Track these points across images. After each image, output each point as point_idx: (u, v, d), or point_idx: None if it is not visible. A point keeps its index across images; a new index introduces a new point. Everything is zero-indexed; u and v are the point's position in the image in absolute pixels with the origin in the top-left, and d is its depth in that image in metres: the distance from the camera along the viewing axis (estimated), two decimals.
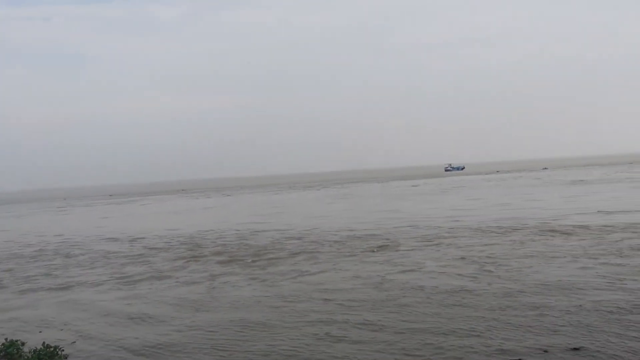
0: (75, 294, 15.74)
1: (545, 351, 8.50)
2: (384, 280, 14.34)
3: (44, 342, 7.82)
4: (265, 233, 27.19)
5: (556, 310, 10.58)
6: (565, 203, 32.71)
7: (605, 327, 9.40)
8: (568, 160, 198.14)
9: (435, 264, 16.19)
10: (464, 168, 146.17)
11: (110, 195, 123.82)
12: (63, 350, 7.85)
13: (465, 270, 14.96)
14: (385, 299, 12.46)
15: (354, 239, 22.90)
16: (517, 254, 16.82)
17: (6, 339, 7.86)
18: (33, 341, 9.28)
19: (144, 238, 28.85)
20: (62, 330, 11.92)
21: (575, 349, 8.49)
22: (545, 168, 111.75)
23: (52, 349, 7.61)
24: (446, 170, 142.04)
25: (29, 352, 7.51)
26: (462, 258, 16.71)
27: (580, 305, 10.74)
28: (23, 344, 7.80)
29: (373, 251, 19.30)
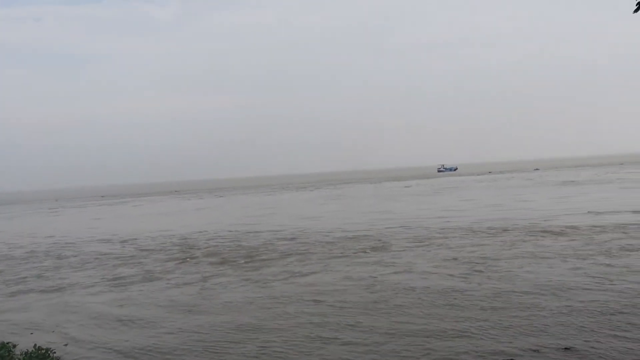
0: (67, 296, 15.68)
1: (537, 351, 8.59)
2: (376, 281, 14.40)
3: (35, 345, 7.81)
4: (257, 234, 27.19)
5: (546, 310, 10.68)
6: (555, 204, 32.95)
7: (595, 327, 9.50)
8: (559, 160, 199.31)
9: (426, 264, 16.27)
10: (456, 169, 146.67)
11: (102, 197, 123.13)
12: (55, 352, 7.84)
13: (456, 270, 15.05)
14: (377, 299, 12.51)
15: (345, 239, 22.96)
16: (508, 254, 16.94)
17: None
18: (24, 343, 9.27)
19: (135, 239, 28.77)
20: (53, 332, 11.88)
21: (566, 348, 8.58)
22: (537, 169, 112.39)
23: (43, 351, 7.60)
24: (439, 171, 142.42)
25: (21, 354, 7.49)
26: (454, 259, 16.81)
27: (570, 306, 10.84)
28: (14, 346, 7.78)
29: (365, 252, 19.36)
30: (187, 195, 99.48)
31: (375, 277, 14.92)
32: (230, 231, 29.45)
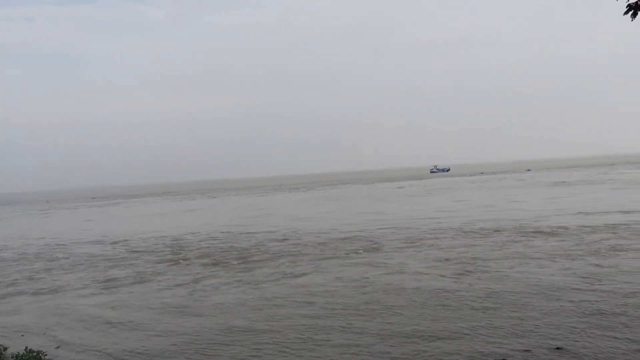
0: (58, 298, 15.59)
1: (528, 351, 8.65)
2: (367, 282, 14.43)
3: (26, 347, 7.79)
4: (249, 235, 27.17)
5: (537, 310, 10.75)
6: (546, 204, 33.15)
7: (585, 327, 9.57)
8: (551, 161, 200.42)
9: (418, 265, 16.33)
10: (449, 170, 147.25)
11: (93, 198, 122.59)
12: (46, 354, 7.83)
13: (447, 271, 15.12)
14: (368, 300, 12.54)
15: (337, 240, 23.00)
16: (499, 255, 17.03)
17: None
18: (15, 346, 9.22)
19: (126, 241, 28.66)
20: (44, 335, 11.80)
21: (557, 348, 8.65)
22: (529, 170, 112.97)
23: (35, 354, 7.58)
24: (431, 172, 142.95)
25: (12, 357, 7.47)
26: (445, 259, 16.88)
27: (561, 306, 10.92)
28: (5, 349, 7.77)
29: (357, 253, 19.41)
30: (179, 196, 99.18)
31: (367, 278, 14.95)
32: (222, 232, 29.41)
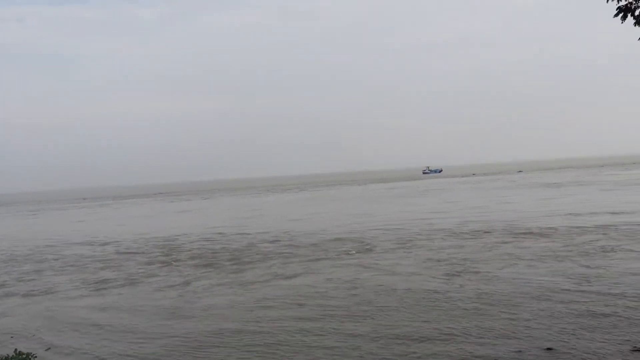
0: (47, 300, 15.46)
1: (519, 352, 8.69)
2: (359, 284, 14.43)
3: (16, 350, 7.73)
4: (241, 236, 27.10)
5: (527, 311, 10.79)
6: (537, 206, 33.33)
7: (575, 328, 9.63)
8: (542, 163, 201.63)
9: (409, 266, 16.35)
10: (441, 171, 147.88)
11: (84, 199, 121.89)
12: (36, 357, 7.76)
13: (439, 272, 15.15)
14: (360, 302, 12.53)
15: (329, 241, 23.00)
16: (490, 256, 17.10)
17: None
18: (4, 349, 9.17)
19: (117, 242, 28.51)
20: (33, 338, 11.69)
21: (548, 349, 8.70)
22: (520, 171, 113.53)
23: (24, 356, 7.52)
24: (424, 173, 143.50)
25: (1, 359, 7.41)
26: (437, 260, 16.92)
27: (551, 307, 10.97)
28: None
29: (348, 254, 19.42)
30: (172, 197, 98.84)
31: (358, 279, 14.96)
32: (214, 233, 29.32)
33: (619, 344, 8.71)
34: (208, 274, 17.60)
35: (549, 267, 14.86)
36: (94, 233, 35.11)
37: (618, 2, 12.10)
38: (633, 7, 12.03)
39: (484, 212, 31.13)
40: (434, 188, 66.64)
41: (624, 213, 25.76)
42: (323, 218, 35.08)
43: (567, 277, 13.50)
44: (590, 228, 21.54)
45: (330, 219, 34.08)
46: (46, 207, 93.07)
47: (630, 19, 12.19)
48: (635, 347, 8.50)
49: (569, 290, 12.20)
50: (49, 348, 10.80)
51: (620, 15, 12.11)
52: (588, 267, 14.52)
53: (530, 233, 21.33)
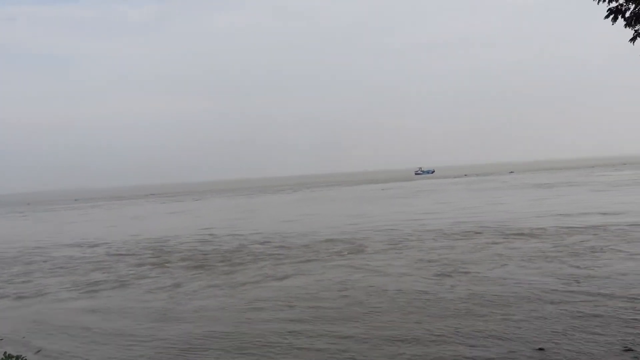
0: (37, 303, 15.30)
1: (512, 352, 8.71)
2: (350, 285, 14.40)
3: (5, 352, 7.66)
4: (232, 237, 27.01)
5: (518, 312, 10.82)
6: (528, 206, 33.49)
7: (565, 328, 9.66)
8: (534, 163, 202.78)
9: (401, 267, 16.35)
10: (434, 172, 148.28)
11: (76, 200, 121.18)
12: (26, 359, 7.68)
13: (430, 273, 15.16)
14: (351, 303, 12.51)
15: (321, 242, 22.96)
16: (480, 256, 17.14)
17: None
18: None
19: (107, 244, 28.31)
20: (23, 341, 11.55)
21: (540, 349, 8.73)
22: (512, 172, 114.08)
23: (14, 359, 7.44)
24: (416, 174, 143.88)
25: None
26: (428, 261, 16.93)
27: (542, 308, 11.01)
28: None
29: (340, 255, 19.38)
30: (164, 198, 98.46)
31: (349, 281, 14.94)
32: (206, 235, 29.20)
33: (610, 344, 8.76)
34: (199, 275, 17.51)
35: (539, 267, 14.92)
36: (84, 234, 34.86)
37: (609, 4, 12.16)
38: (623, 8, 12.10)
39: (475, 213, 31.22)
40: (426, 189, 66.82)
41: (613, 214, 25.93)
42: (315, 219, 35.04)
43: (557, 277, 13.56)
44: (580, 229, 21.66)
45: (323, 220, 34.05)
46: (37, 208, 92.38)
47: (620, 21, 12.25)
48: (626, 346, 8.55)
49: (559, 290, 12.26)
50: (39, 350, 10.70)
51: (611, 17, 12.18)
52: (578, 267, 14.60)
53: (521, 234, 21.41)
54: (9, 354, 7.55)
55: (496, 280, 13.69)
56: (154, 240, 28.48)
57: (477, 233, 22.55)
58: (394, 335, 10.01)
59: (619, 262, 14.92)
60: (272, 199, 68.63)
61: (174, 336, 10.98)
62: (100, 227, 42.22)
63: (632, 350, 8.40)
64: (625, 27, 12.41)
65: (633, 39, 12.48)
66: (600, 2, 12.26)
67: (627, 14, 12.21)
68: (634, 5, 12.03)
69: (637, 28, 12.29)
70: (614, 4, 12.19)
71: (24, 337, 11.75)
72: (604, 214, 26.15)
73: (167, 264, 20.17)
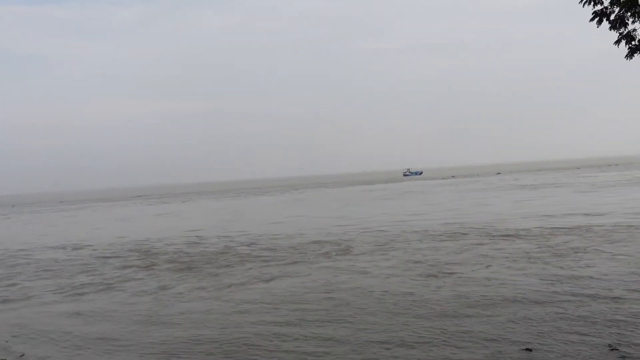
0: (21, 307, 15.03)
1: (499, 352, 8.75)
2: (337, 287, 14.37)
3: None
4: (218, 239, 26.85)
5: (504, 312, 10.87)
6: (513, 207, 33.75)
7: (552, 328, 9.72)
8: (520, 165, 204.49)
9: (387, 269, 16.36)
10: (421, 173, 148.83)
11: (61, 202, 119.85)
12: None
13: (416, 274, 15.18)
14: (338, 305, 12.48)
15: (307, 244, 22.90)
16: (466, 257, 17.21)
17: None
18: None
19: (92, 246, 28.00)
20: (4, 346, 11.34)
21: (527, 349, 8.78)
22: (499, 173, 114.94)
23: None
24: (404, 175, 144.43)
25: None
26: (414, 262, 16.96)
27: (527, 308, 11.07)
28: None
29: (326, 256, 19.34)
30: (151, 200, 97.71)
31: (336, 282, 14.90)
32: (192, 236, 29.00)
33: (596, 343, 8.84)
34: (185, 277, 17.37)
35: (524, 268, 15.02)
36: (69, 237, 34.45)
37: (594, 7, 12.28)
38: (608, 11, 12.22)
39: (462, 214, 31.38)
40: (413, 190, 67.07)
41: (597, 214, 26.21)
42: (302, 221, 34.98)
43: (541, 278, 13.66)
44: (564, 229, 21.86)
45: (310, 221, 34.00)
46: (21, 210, 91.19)
47: (605, 24, 12.38)
48: (611, 346, 8.63)
49: (544, 291, 12.34)
50: (22, 355, 10.53)
51: (596, 19, 12.30)
52: (562, 267, 14.72)
53: (506, 235, 21.54)
54: None
55: (481, 281, 13.75)
56: (140, 242, 28.22)
57: (463, 234, 22.65)
58: (380, 337, 9.99)
59: (602, 262, 15.07)
60: (260, 201, 68.41)
61: (159, 340, 10.86)
62: (85, 229, 41.76)
63: (617, 350, 8.46)
64: (610, 29, 12.54)
65: (617, 42, 12.62)
66: (586, 5, 12.37)
67: (612, 17, 12.34)
68: (618, 8, 12.16)
69: (621, 31, 12.43)
70: (599, 7, 12.31)
71: (7, 342, 11.55)
72: (588, 214, 26.43)
73: (153, 267, 19.98)
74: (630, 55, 12.50)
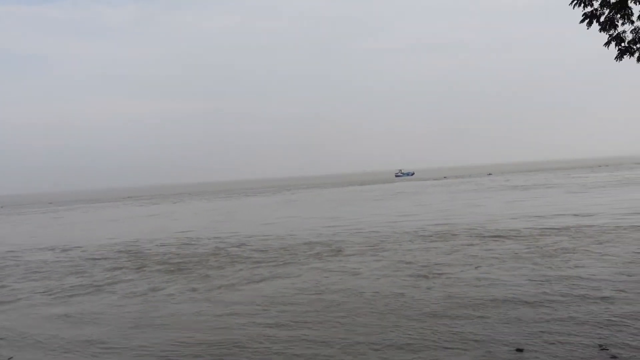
0: (8, 310, 14.86)
1: (489, 352, 8.77)
2: (327, 288, 14.34)
3: None
4: (209, 241, 26.74)
5: (494, 313, 10.89)
6: (504, 208, 33.89)
7: (542, 329, 9.73)
8: (511, 165, 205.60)
9: (379, 270, 16.34)
10: (413, 174, 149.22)
11: (50, 203, 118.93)
12: None
13: (407, 275, 15.19)
14: (328, 306, 12.45)
15: (299, 245, 22.85)
16: (456, 258, 17.25)
17: None
18: None
19: (82, 247, 27.77)
20: None
21: (518, 350, 8.80)
22: (490, 174, 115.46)
23: None
24: (397, 176, 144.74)
25: None
26: (405, 263, 16.97)
27: (517, 308, 11.10)
28: None
29: (318, 257, 19.30)
30: (141, 201, 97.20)
31: (327, 283, 14.87)
32: (182, 238, 28.85)
33: (586, 344, 8.88)
34: (175, 279, 17.26)
35: (513, 268, 15.07)
36: (59, 238, 34.17)
37: (584, 9, 12.34)
38: (598, 13, 12.29)
39: (453, 215, 31.47)
40: (405, 191, 67.21)
41: (586, 215, 26.38)
42: (294, 221, 34.92)
43: (531, 278, 13.71)
44: (554, 230, 21.97)
45: (302, 222, 33.96)
46: (9, 211, 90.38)
47: (596, 25, 12.45)
48: (602, 346, 8.68)
49: (533, 291, 12.38)
50: (11, 357, 10.42)
51: (586, 21, 12.37)
52: (551, 268, 14.80)
53: (497, 236, 21.62)
54: None
55: (472, 282, 13.78)
56: (130, 243, 28.04)
57: (453, 235, 22.70)
58: (371, 339, 9.97)
59: (591, 263, 15.16)
60: (252, 202, 68.26)
61: (148, 343, 10.77)
62: (75, 230, 41.46)
63: (608, 350, 8.50)
64: (600, 31, 12.61)
65: (607, 43, 12.70)
66: (576, 7, 12.43)
67: (602, 19, 12.40)
68: (608, 10, 12.23)
69: (611, 32, 12.51)
70: (589, 9, 12.37)
71: None
72: (577, 215, 26.59)
73: (143, 268, 19.85)
74: (619, 56, 12.59)
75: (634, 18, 12.08)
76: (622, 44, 12.41)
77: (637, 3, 11.94)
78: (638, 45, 12.38)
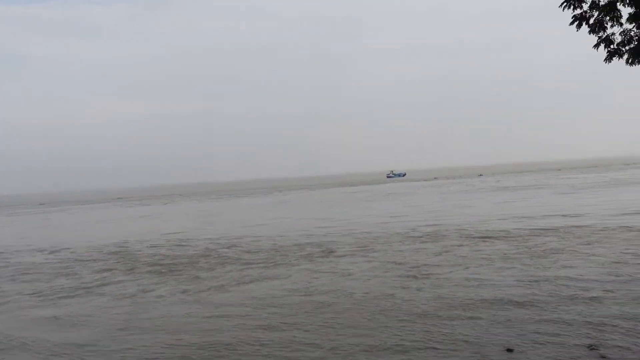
0: None
1: (478, 353, 8.79)
2: (317, 290, 14.31)
3: None
4: (199, 242, 26.60)
5: (484, 313, 10.93)
6: (494, 209, 34.04)
7: (531, 329, 9.78)
8: (502, 166, 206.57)
9: (369, 271, 16.35)
10: (405, 175, 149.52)
11: (41, 204, 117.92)
12: None
13: (397, 276, 15.20)
14: (318, 307, 12.43)
15: (289, 246, 22.80)
16: (446, 258, 17.29)
17: None
18: None
19: (71, 249, 27.53)
20: None
21: (508, 350, 8.84)
22: (481, 175, 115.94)
23: None
24: (388, 177, 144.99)
25: None
26: (396, 264, 16.98)
27: (506, 309, 11.14)
28: None
29: (308, 259, 19.26)
30: (132, 202, 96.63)
31: (317, 285, 14.85)
32: (172, 239, 28.68)
33: (575, 343, 8.94)
34: (165, 281, 17.15)
35: (503, 269, 15.14)
36: (48, 239, 33.85)
37: (573, 11, 12.40)
38: (587, 15, 12.34)
39: (443, 216, 31.55)
40: (396, 192, 67.34)
41: (575, 216, 26.58)
42: (285, 222, 34.87)
43: (520, 279, 13.77)
44: (543, 230, 22.11)
45: (292, 223, 33.90)
46: None
47: (585, 27, 12.51)
48: (591, 346, 8.75)
49: (523, 292, 12.44)
50: (3, 358, 10.28)
51: (576, 23, 12.43)
52: (539, 268, 14.89)
53: (486, 236, 21.71)
54: None
55: (461, 282, 13.82)
56: (120, 245, 27.85)
57: (443, 236, 22.76)
58: (361, 340, 9.96)
59: (579, 263, 15.26)
60: (243, 203, 68.09)
61: (138, 346, 10.69)
62: (64, 231, 41.11)
63: (597, 349, 8.56)
64: (590, 33, 12.66)
65: (597, 45, 12.77)
66: (566, 9, 12.48)
67: (591, 21, 12.46)
68: (597, 12, 12.29)
69: (600, 34, 12.57)
70: (578, 11, 12.43)
71: None
72: (566, 216, 26.76)
73: (132, 270, 19.71)
74: (609, 58, 12.66)
75: (623, 20, 12.16)
76: (611, 46, 12.49)
77: (626, 5, 12.02)
78: (627, 48, 12.46)
